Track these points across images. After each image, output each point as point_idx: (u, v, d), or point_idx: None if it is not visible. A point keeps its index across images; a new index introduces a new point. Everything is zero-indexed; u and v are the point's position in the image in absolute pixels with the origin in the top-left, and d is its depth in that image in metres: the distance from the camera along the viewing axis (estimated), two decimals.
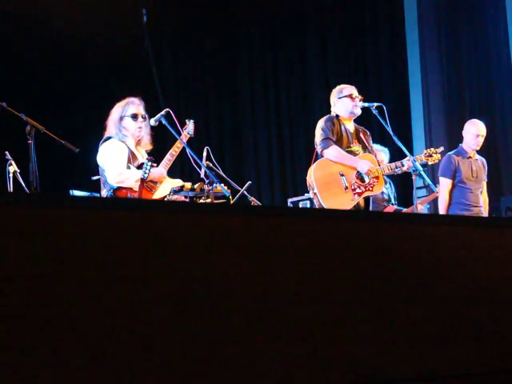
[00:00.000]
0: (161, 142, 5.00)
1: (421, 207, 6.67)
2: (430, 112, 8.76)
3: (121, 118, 4.68)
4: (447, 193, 6.31)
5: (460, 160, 6.32)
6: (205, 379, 1.85)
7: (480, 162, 6.42)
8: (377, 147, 6.66)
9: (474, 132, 6.32)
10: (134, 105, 4.72)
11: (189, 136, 4.77)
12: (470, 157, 6.36)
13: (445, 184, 6.32)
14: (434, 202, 7.24)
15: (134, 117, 4.68)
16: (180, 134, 4.71)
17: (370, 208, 5.42)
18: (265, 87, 9.56)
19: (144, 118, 4.73)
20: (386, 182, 6.72)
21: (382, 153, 6.57)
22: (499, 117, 8.46)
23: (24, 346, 1.66)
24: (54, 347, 1.69)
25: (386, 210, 6.51)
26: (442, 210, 6.32)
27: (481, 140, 6.33)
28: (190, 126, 4.80)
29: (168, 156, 4.67)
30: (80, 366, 1.70)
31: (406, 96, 8.99)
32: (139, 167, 4.58)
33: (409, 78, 9.00)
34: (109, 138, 4.66)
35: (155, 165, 4.54)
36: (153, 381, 1.78)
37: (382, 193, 6.54)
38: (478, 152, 6.46)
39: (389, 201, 6.69)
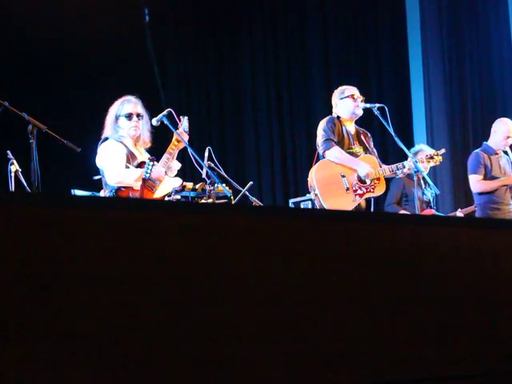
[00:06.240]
0: (162, 142, 4.98)
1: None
2: (431, 113, 8.74)
3: (116, 118, 4.64)
4: (481, 184, 6.15)
5: (487, 157, 6.20)
6: (205, 380, 1.85)
7: (505, 159, 6.31)
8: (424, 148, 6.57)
9: (505, 133, 6.19)
10: (129, 103, 4.65)
11: (185, 133, 4.68)
12: (497, 153, 6.26)
13: (477, 179, 6.18)
14: None
15: (129, 116, 4.62)
16: (181, 134, 4.67)
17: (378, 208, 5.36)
18: (267, 88, 9.56)
19: (140, 116, 4.66)
20: (428, 186, 6.64)
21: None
22: (501, 117, 8.44)
23: (24, 346, 1.66)
24: (54, 348, 1.69)
25: (424, 212, 6.38)
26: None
27: (510, 141, 6.20)
28: (185, 122, 4.71)
29: (166, 154, 4.63)
30: (78, 368, 1.70)
31: (407, 97, 8.98)
32: (138, 166, 4.56)
33: (411, 79, 8.99)
34: (106, 139, 4.63)
35: (157, 163, 4.52)
36: (153, 382, 1.79)
37: (424, 194, 6.44)
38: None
39: (428, 203, 6.57)
